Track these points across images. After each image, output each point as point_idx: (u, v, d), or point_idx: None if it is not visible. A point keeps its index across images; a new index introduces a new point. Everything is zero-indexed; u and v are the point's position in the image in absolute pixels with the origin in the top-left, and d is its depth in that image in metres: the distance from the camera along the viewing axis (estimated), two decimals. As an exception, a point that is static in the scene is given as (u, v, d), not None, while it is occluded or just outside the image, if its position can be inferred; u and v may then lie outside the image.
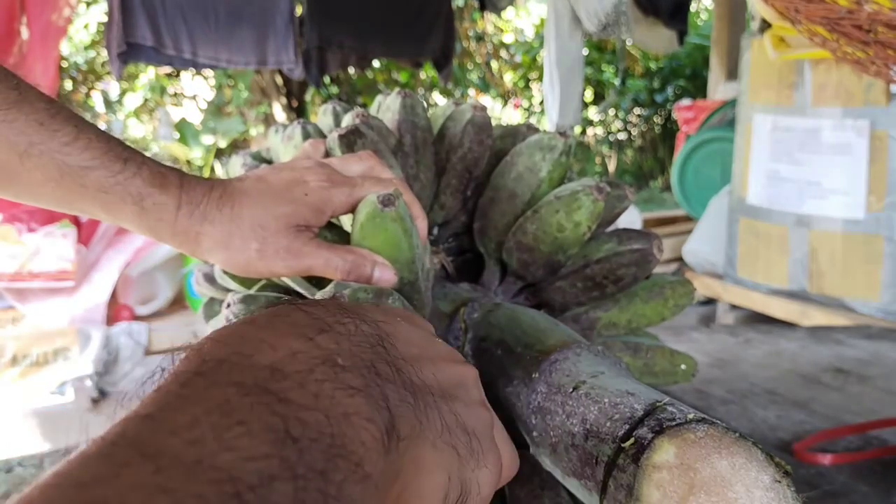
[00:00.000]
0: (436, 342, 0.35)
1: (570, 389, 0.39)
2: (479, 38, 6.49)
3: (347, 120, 0.59)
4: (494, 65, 6.74)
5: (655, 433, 0.32)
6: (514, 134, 0.64)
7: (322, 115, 0.67)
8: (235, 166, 0.71)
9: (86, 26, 4.93)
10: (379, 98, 0.67)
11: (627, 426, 0.34)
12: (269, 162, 0.68)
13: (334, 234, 0.51)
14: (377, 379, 0.25)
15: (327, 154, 0.55)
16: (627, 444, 0.33)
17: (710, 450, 0.31)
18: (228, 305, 0.51)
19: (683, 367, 0.60)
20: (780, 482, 0.30)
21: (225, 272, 0.64)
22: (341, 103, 0.67)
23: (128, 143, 0.46)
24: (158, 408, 0.19)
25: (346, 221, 0.55)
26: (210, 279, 0.72)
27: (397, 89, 0.63)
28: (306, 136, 0.63)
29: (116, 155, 0.45)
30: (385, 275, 0.46)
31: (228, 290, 0.70)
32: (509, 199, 0.58)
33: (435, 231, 0.64)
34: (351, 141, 0.54)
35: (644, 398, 0.36)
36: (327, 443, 0.21)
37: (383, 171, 0.50)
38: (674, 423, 0.33)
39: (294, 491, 0.19)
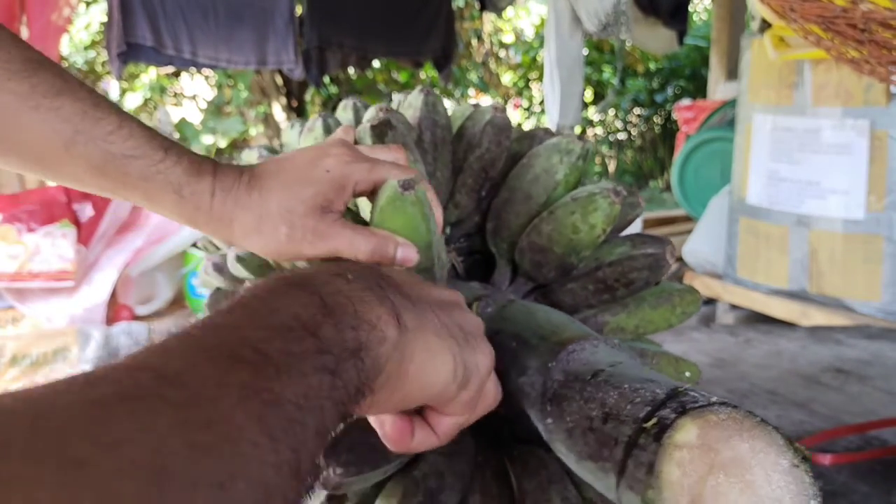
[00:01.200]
0: (429, 283, 0.42)
1: (589, 377, 0.40)
2: (479, 37, 6.49)
3: (371, 114, 0.60)
4: (492, 65, 6.74)
5: (678, 413, 0.33)
6: (532, 137, 0.65)
7: (342, 111, 0.68)
8: (251, 159, 0.72)
9: (87, 26, 4.93)
10: (398, 96, 0.68)
11: (649, 408, 0.35)
12: None
13: (354, 220, 0.52)
14: (379, 288, 0.34)
15: (356, 143, 0.56)
16: (649, 423, 0.34)
17: (731, 432, 0.31)
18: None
19: (688, 374, 0.60)
20: (798, 467, 0.31)
21: (238, 261, 0.65)
22: (361, 99, 0.68)
23: (165, 135, 0.48)
24: (235, 300, 0.29)
25: (364, 210, 0.56)
26: (219, 269, 0.73)
27: (420, 87, 0.63)
28: (327, 129, 0.64)
29: (158, 144, 0.46)
30: (408, 254, 0.47)
31: (237, 280, 0.71)
32: (524, 201, 0.59)
33: (448, 230, 0.64)
34: (382, 132, 0.54)
35: (665, 384, 0.36)
36: (352, 313, 0.31)
37: (406, 162, 0.51)
38: (696, 404, 0.33)
39: (338, 333, 0.29)
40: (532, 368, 0.45)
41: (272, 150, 0.72)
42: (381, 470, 0.49)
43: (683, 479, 0.31)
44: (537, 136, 0.65)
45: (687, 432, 0.32)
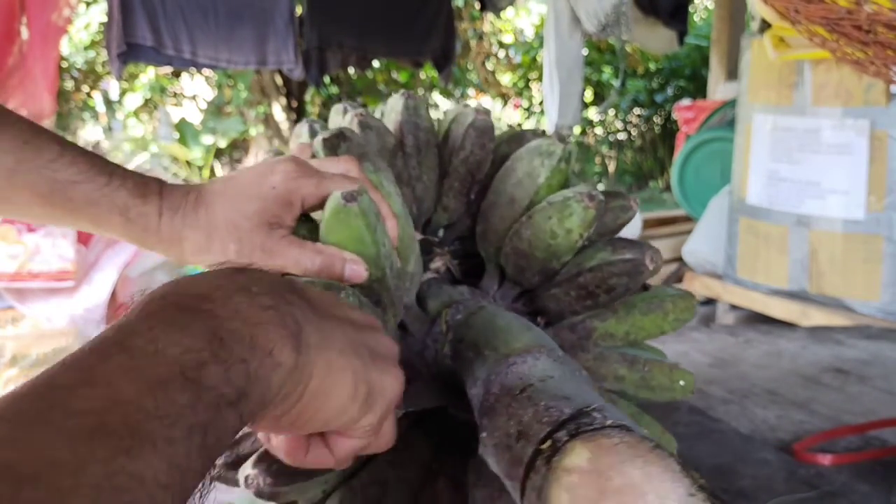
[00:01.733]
0: (347, 305, 0.41)
1: (518, 392, 0.39)
2: (479, 37, 6.49)
3: (340, 122, 0.59)
4: (490, 65, 6.74)
5: (571, 436, 0.32)
6: (520, 138, 0.64)
7: (334, 115, 0.68)
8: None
9: (87, 26, 4.93)
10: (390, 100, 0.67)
11: (549, 428, 0.34)
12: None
13: (312, 232, 0.51)
14: (284, 302, 0.32)
15: (313, 157, 0.55)
16: (545, 445, 0.33)
17: (624, 457, 0.30)
18: None
19: (682, 382, 0.59)
20: (694, 496, 0.29)
21: None
22: (353, 103, 0.67)
23: (106, 159, 0.48)
24: (127, 321, 0.27)
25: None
26: None
27: (401, 91, 0.63)
28: (313, 134, 0.63)
29: (101, 168, 0.46)
30: (356, 270, 0.46)
31: None
32: (509, 204, 0.58)
33: (440, 233, 0.64)
34: (334, 144, 0.53)
35: (578, 402, 0.35)
36: (247, 341, 0.29)
37: (358, 174, 0.50)
38: (591, 427, 0.32)
39: (223, 372, 0.27)
40: (480, 380, 0.44)
41: (280, 154, 0.72)
42: (319, 480, 0.48)
43: None
44: (525, 137, 0.64)
45: (577, 456, 0.31)
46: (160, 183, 0.48)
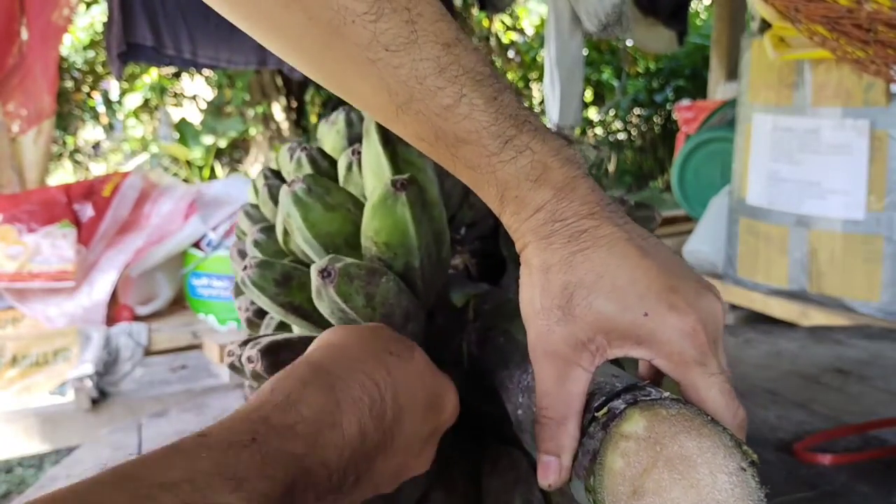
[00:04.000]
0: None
1: None
2: (479, 38, 6.49)
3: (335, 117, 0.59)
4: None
5: (628, 404, 0.33)
6: None
7: (327, 125, 0.68)
8: (283, 154, 0.72)
9: (91, 25, 4.93)
10: None
11: (604, 398, 0.35)
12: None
13: (355, 207, 0.53)
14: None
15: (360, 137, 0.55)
16: (601, 413, 0.34)
17: (679, 428, 0.31)
18: (245, 268, 0.53)
19: None
20: (745, 470, 0.30)
21: (255, 245, 0.65)
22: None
23: (522, 114, 0.38)
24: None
25: (365, 186, 0.56)
26: (243, 255, 0.73)
27: None
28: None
29: (498, 131, 0.37)
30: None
31: None
32: None
33: (462, 231, 0.64)
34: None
35: (627, 380, 0.36)
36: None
37: None
38: (648, 398, 0.33)
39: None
40: (514, 362, 0.45)
41: (302, 145, 0.73)
42: None
43: (626, 469, 0.31)
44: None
45: (634, 423, 0.32)
46: (577, 181, 0.38)
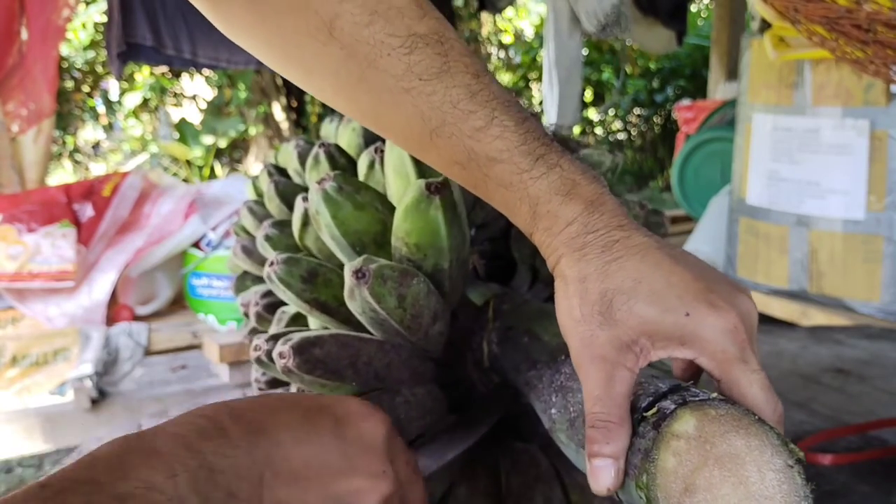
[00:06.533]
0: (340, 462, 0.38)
1: None
2: (478, 38, 6.49)
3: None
4: (490, 65, 6.74)
5: (678, 405, 0.34)
6: (564, 145, 0.65)
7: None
8: (288, 151, 0.73)
9: (95, 25, 4.93)
10: None
11: (651, 398, 0.35)
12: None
13: (383, 206, 0.54)
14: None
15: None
16: (650, 413, 0.35)
17: (728, 427, 0.32)
18: (272, 264, 0.54)
19: None
20: (792, 467, 0.31)
21: (266, 240, 0.66)
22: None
23: (548, 136, 0.40)
24: None
25: (393, 192, 0.56)
26: (248, 251, 0.74)
27: None
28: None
29: (529, 150, 0.39)
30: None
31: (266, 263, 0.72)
32: None
33: (472, 231, 0.65)
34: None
35: (669, 381, 0.37)
36: None
37: None
38: (697, 398, 0.34)
39: None
40: (542, 362, 0.45)
41: (309, 142, 0.73)
42: None
43: (679, 467, 0.32)
44: (570, 145, 0.65)
45: (685, 423, 0.32)
46: (604, 196, 0.39)
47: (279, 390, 0.63)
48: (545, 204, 0.39)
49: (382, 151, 0.58)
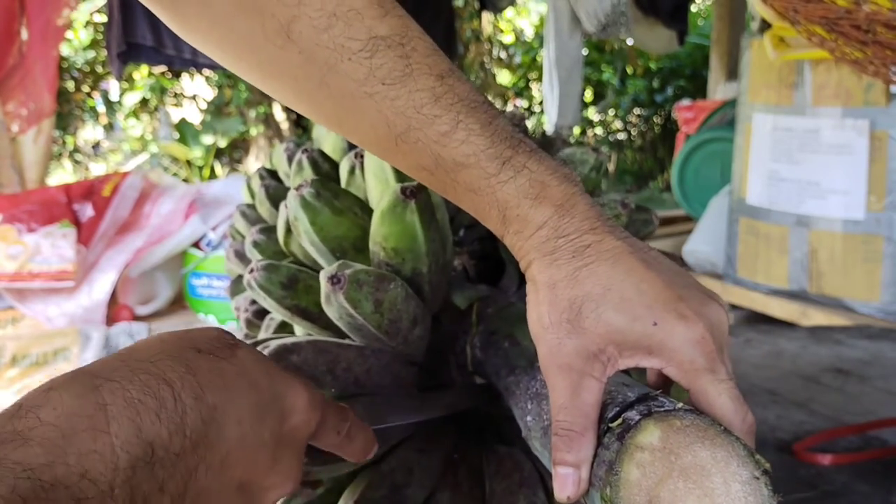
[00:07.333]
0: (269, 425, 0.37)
1: None
2: (478, 38, 6.49)
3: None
4: (490, 65, 6.74)
5: (643, 415, 0.33)
6: (549, 146, 0.65)
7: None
8: (279, 153, 0.73)
9: (95, 25, 4.93)
10: None
11: (618, 409, 0.35)
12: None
13: (362, 211, 0.53)
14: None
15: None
16: (615, 423, 0.34)
17: (693, 438, 0.32)
18: (252, 271, 0.54)
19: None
20: (758, 479, 0.31)
21: (254, 246, 0.66)
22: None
23: (517, 137, 0.39)
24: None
25: (372, 197, 0.56)
26: (241, 255, 0.74)
27: None
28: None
29: (496, 153, 0.38)
30: None
31: None
32: None
33: (461, 233, 0.65)
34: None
35: (638, 390, 0.37)
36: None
37: None
38: (662, 409, 0.34)
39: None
40: (520, 367, 0.45)
41: (299, 145, 0.73)
42: (349, 463, 0.50)
43: (642, 479, 0.31)
44: (555, 145, 0.65)
45: (650, 434, 0.32)
46: (576, 198, 0.38)
47: None
48: (514, 208, 0.38)
49: (363, 156, 0.58)
